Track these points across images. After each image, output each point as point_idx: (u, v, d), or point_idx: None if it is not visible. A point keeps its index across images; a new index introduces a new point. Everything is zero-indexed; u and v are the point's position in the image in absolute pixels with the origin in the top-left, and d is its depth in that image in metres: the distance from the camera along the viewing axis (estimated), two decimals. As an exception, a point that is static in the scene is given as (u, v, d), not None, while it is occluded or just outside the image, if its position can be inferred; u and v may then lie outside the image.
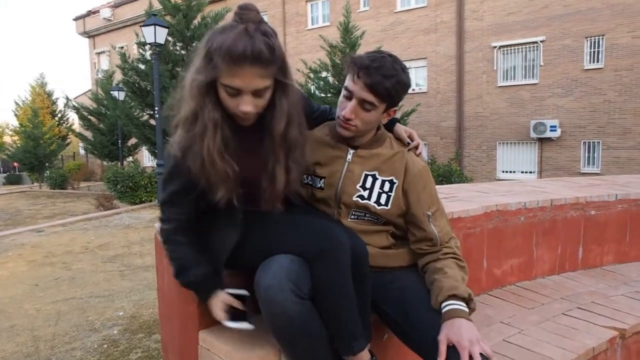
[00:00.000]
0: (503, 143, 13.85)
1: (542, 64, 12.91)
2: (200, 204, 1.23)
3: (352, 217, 1.41)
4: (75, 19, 26.17)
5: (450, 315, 1.20)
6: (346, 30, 11.64)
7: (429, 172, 1.44)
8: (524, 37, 13.08)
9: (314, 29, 17.13)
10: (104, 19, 24.02)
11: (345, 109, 1.32)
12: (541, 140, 12.99)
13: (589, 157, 12.59)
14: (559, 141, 12.76)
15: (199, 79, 1.09)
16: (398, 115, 12.47)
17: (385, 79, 1.26)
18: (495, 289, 2.27)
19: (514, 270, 2.35)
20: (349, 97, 1.32)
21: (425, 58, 14.95)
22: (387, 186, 1.39)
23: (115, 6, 23.88)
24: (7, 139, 28.33)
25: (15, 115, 24.58)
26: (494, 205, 2.24)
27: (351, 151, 1.42)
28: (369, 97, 1.28)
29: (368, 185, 1.40)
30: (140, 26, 9.84)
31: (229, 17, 1.30)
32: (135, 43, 12.91)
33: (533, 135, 12.89)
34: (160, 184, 1.27)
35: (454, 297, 1.24)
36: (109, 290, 4.33)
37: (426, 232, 1.39)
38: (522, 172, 13.53)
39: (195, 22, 12.06)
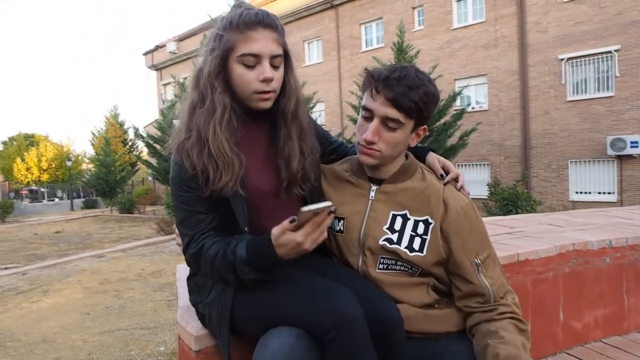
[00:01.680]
0: (575, 162, 12.69)
1: (617, 74, 11.78)
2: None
3: (381, 266, 1.14)
4: (145, 54, 28.23)
5: None
6: (400, 50, 11.36)
7: (474, 209, 1.15)
8: (596, 47, 12.04)
9: (368, 50, 17.05)
10: (170, 52, 25.66)
11: (366, 131, 1.09)
12: (620, 158, 11.74)
13: (680, 175, 11.16)
14: (643, 158, 11.47)
15: (209, 63, 1.03)
16: (457, 135, 11.79)
17: (410, 90, 1.03)
18: (575, 347, 1.85)
19: (600, 324, 1.91)
20: (369, 118, 1.10)
21: (485, 74, 14.25)
22: (421, 228, 1.12)
23: (180, 40, 25.46)
24: (84, 166, 30.80)
25: (92, 144, 26.74)
26: (570, 245, 1.84)
27: (374, 187, 1.18)
28: (393, 113, 1.05)
29: (397, 227, 1.13)
30: (194, 57, 10.24)
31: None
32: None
33: (610, 152, 11.69)
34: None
35: None
36: (155, 321, 4.27)
37: (475, 285, 1.10)
38: (599, 193, 12.26)
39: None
